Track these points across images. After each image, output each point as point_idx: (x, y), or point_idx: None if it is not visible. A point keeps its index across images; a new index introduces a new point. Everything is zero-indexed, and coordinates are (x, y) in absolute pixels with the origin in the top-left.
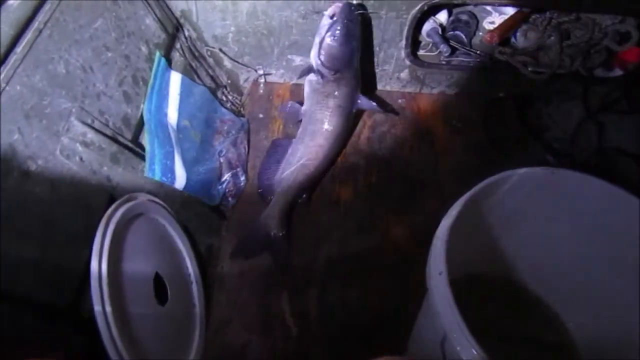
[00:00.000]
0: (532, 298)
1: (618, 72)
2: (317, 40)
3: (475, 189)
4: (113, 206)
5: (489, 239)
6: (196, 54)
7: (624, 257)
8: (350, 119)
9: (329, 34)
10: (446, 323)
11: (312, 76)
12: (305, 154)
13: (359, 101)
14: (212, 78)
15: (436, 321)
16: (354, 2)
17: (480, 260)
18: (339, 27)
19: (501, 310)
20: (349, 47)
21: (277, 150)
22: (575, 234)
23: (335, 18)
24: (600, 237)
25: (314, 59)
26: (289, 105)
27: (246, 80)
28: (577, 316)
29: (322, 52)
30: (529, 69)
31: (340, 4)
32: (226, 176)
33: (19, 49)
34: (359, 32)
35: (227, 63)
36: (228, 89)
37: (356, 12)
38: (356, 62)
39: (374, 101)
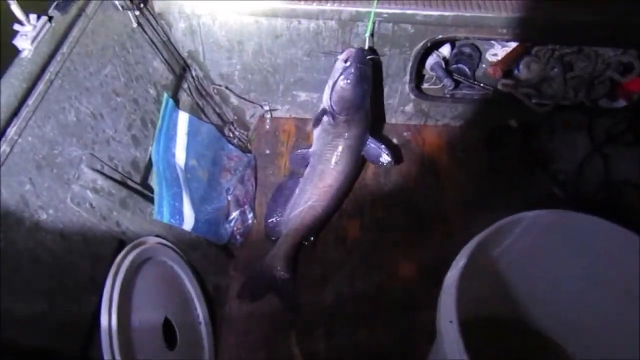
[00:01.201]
0: (545, 337)
1: (622, 102)
2: (330, 83)
3: (483, 234)
4: (122, 253)
5: (500, 280)
6: (203, 92)
7: (636, 298)
8: (359, 160)
9: (342, 77)
10: None
11: (323, 117)
12: (313, 195)
13: (368, 144)
14: (219, 115)
15: None
16: (366, 46)
17: (493, 299)
18: (352, 71)
19: (515, 349)
20: (361, 90)
21: (283, 192)
22: (586, 274)
23: (349, 62)
24: (612, 278)
25: (326, 102)
26: (296, 154)
27: (252, 115)
28: (590, 355)
29: (335, 95)
30: (533, 100)
31: (353, 49)
32: (234, 214)
33: (30, 101)
34: (370, 75)
35: (234, 100)
36: (235, 125)
37: (368, 57)
38: (367, 104)
39: (382, 143)
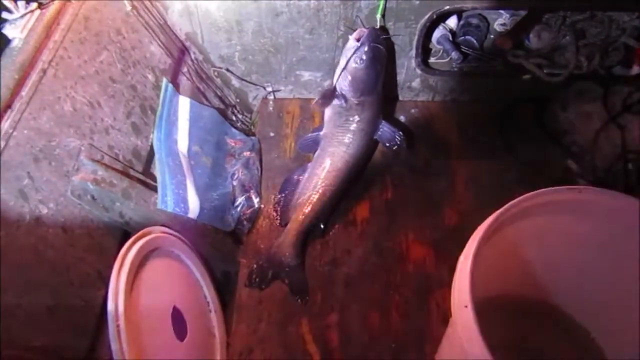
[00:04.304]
0: (564, 317)
1: (638, 69)
2: (342, 63)
3: (496, 214)
4: (127, 245)
5: (517, 259)
6: (203, 76)
7: None
8: (371, 144)
9: (355, 56)
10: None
11: (334, 99)
12: (322, 179)
13: (380, 127)
14: (221, 99)
15: (462, 352)
16: (378, 25)
17: (510, 279)
18: (365, 50)
19: (533, 329)
20: (374, 71)
21: (292, 176)
22: (604, 249)
23: (362, 41)
24: (630, 251)
25: (337, 83)
26: (306, 138)
27: (255, 97)
28: (610, 336)
29: (348, 75)
30: (545, 71)
31: (365, 29)
32: (240, 199)
33: (24, 92)
34: (385, 56)
35: (235, 82)
36: (237, 108)
37: (382, 37)
38: (380, 86)
39: (396, 126)
